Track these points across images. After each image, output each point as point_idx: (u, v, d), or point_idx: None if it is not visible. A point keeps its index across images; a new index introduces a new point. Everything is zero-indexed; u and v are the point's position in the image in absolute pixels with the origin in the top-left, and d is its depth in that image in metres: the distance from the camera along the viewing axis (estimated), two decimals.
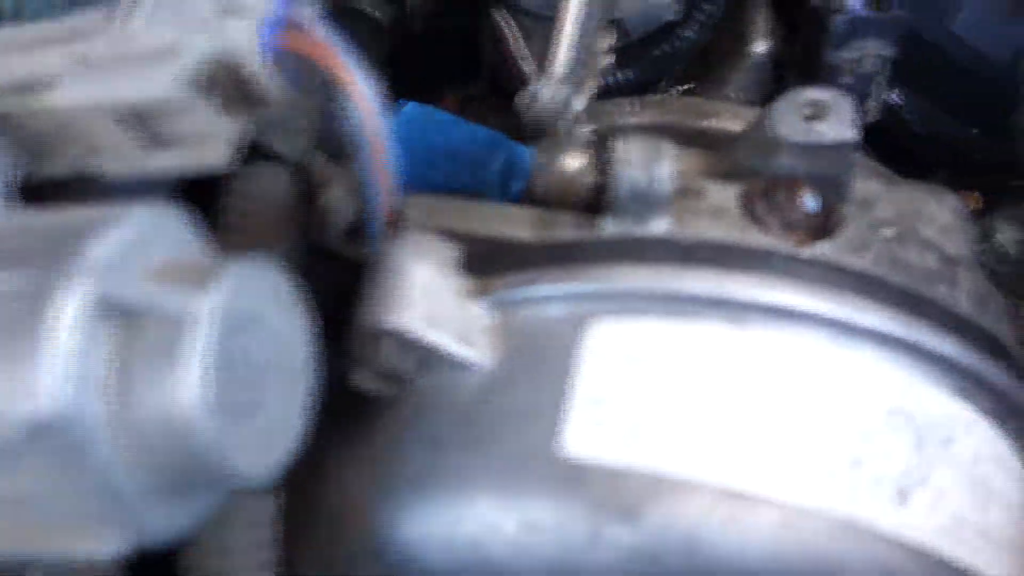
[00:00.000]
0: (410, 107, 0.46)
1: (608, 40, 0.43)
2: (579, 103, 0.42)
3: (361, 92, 0.37)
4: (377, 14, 0.55)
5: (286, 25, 0.36)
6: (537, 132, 0.43)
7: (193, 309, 0.31)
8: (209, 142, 0.36)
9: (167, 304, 0.31)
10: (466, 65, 0.59)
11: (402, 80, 0.57)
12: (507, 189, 0.44)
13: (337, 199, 0.42)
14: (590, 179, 0.43)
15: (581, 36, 0.40)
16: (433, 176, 0.45)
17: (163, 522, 0.35)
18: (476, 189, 0.44)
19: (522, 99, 0.42)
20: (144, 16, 0.36)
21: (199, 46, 0.35)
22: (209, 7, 0.36)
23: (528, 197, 0.44)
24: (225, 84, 0.35)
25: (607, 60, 0.44)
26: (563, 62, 0.40)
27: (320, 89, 0.37)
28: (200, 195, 0.43)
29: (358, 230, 0.42)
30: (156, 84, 0.35)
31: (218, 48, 0.35)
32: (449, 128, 0.45)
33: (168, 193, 0.39)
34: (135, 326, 0.32)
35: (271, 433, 0.35)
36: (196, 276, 0.32)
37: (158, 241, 0.33)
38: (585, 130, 0.44)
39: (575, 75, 0.40)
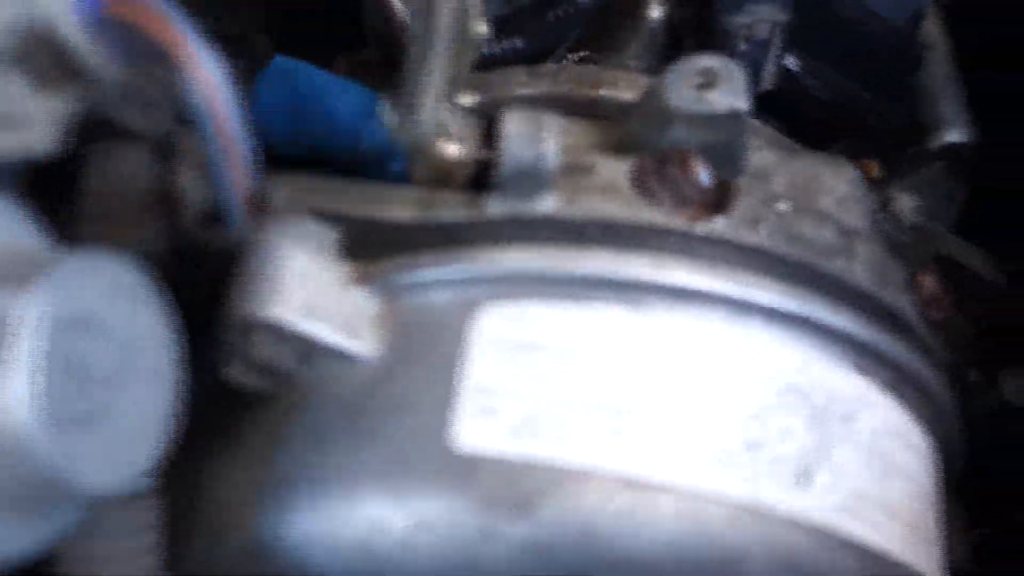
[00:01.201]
0: (280, 61, 0.42)
1: (483, 26, 0.40)
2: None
3: (198, 63, 0.34)
4: None
5: None
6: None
7: (18, 310, 0.28)
8: (28, 123, 0.33)
9: None
10: (356, 30, 0.56)
11: (291, 47, 0.54)
12: (385, 161, 0.42)
13: (190, 180, 0.39)
14: (469, 152, 0.41)
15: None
16: (303, 143, 0.42)
17: (16, 538, 0.32)
18: (351, 159, 0.42)
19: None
20: None
21: (7, 18, 0.32)
22: None
23: (410, 172, 0.42)
24: (38, 57, 0.32)
25: (482, 30, 0.41)
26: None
27: (159, 60, 0.33)
28: (53, 182, 0.40)
29: (219, 214, 0.39)
30: None
31: (26, 17, 0.32)
32: (327, 89, 0.42)
33: (5, 181, 0.35)
34: None
35: (123, 441, 0.32)
36: (25, 274, 0.29)
37: None
38: (463, 102, 0.42)
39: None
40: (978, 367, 0.51)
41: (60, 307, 0.29)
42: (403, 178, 0.42)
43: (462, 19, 0.38)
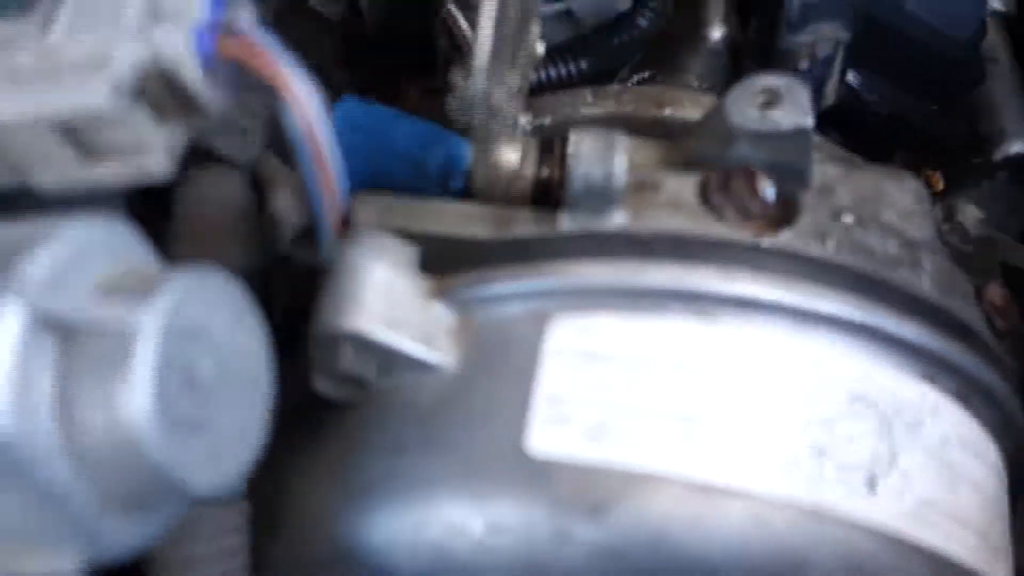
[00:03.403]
0: (351, 103, 0.45)
1: (535, 30, 0.42)
2: (502, 95, 0.41)
3: (298, 96, 0.36)
4: (325, 10, 0.55)
5: (219, 29, 0.35)
6: (463, 124, 0.42)
7: (136, 322, 0.31)
8: (147, 151, 0.35)
9: (110, 318, 0.31)
10: (425, 59, 0.58)
11: (362, 76, 0.56)
12: (447, 185, 0.44)
13: (284, 203, 0.42)
14: (531, 172, 0.43)
15: (499, 27, 0.39)
16: (373, 173, 0.44)
17: (119, 536, 0.34)
18: (416, 186, 0.44)
19: (442, 87, 0.41)
20: (65, 24, 0.35)
21: (130, 54, 0.34)
22: (134, 13, 0.35)
23: (468, 193, 0.43)
24: (159, 92, 0.34)
25: (537, 50, 0.43)
26: (479, 53, 0.38)
27: (260, 92, 0.36)
28: (155, 204, 0.42)
29: (309, 234, 0.41)
30: (89, 95, 0.34)
31: (150, 56, 0.35)
32: (388, 123, 0.44)
33: (117, 204, 0.38)
34: (79, 342, 0.31)
35: (224, 445, 0.34)
36: (140, 288, 0.31)
37: (100, 254, 0.32)
38: (521, 121, 0.43)
39: (494, 67, 0.39)
40: None
41: (174, 318, 0.32)
42: (463, 195, 0.44)
43: (521, 18, 0.39)
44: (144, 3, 0.35)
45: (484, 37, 0.39)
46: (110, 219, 0.33)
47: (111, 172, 0.35)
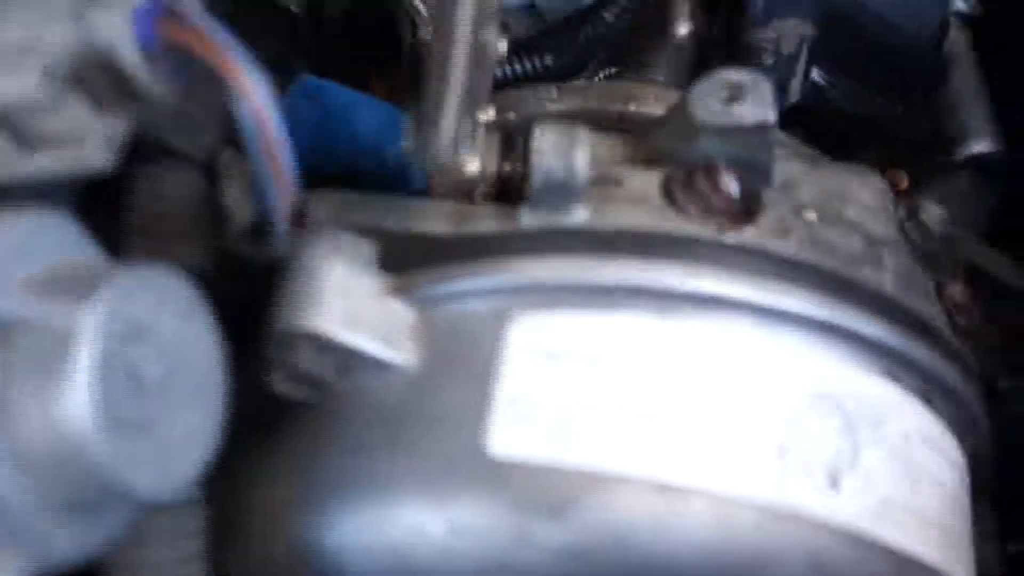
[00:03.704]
0: (309, 81, 0.44)
1: (501, 44, 0.42)
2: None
3: (247, 85, 0.35)
4: (290, 4, 0.54)
5: (162, 15, 0.34)
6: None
7: (76, 320, 0.30)
8: (86, 142, 0.34)
9: (49, 316, 0.30)
10: (392, 52, 0.58)
11: (326, 69, 0.55)
12: (406, 176, 0.43)
13: (236, 198, 0.41)
14: (493, 168, 0.42)
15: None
16: (331, 157, 0.43)
17: (64, 542, 0.33)
18: (376, 174, 0.43)
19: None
20: (8, 12, 0.34)
21: (63, 40, 0.33)
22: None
23: (428, 187, 0.43)
24: (96, 79, 0.33)
25: (500, 48, 0.42)
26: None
27: (211, 82, 0.35)
28: (103, 199, 0.41)
29: (262, 230, 0.40)
30: (19, 82, 0.33)
31: (83, 40, 0.33)
32: (349, 105, 0.44)
33: (62, 197, 0.37)
34: (17, 340, 0.30)
35: (173, 447, 0.34)
36: (81, 285, 0.30)
37: (40, 249, 0.31)
38: (483, 118, 0.43)
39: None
40: (1007, 375, 0.51)
41: (117, 318, 0.31)
42: (424, 192, 0.43)
43: (480, 35, 0.39)
44: None
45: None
46: (52, 213, 0.32)
47: (49, 163, 0.34)
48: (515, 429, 0.39)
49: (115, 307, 0.31)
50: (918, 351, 0.43)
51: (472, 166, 0.42)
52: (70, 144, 0.34)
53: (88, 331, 0.30)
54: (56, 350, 0.30)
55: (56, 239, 0.32)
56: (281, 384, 0.41)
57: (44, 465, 0.31)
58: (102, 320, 0.30)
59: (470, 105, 0.40)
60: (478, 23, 0.39)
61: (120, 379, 0.31)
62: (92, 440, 0.30)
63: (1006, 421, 0.49)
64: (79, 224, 0.33)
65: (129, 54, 0.34)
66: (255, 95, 0.35)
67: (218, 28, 0.35)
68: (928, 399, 0.43)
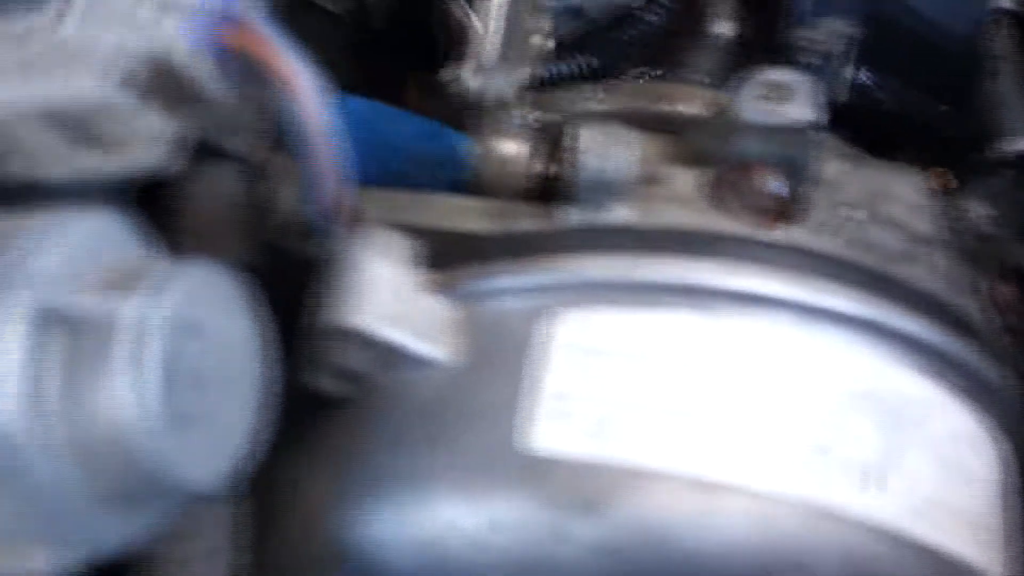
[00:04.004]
0: (356, 102, 0.45)
1: (544, 24, 0.42)
2: (507, 87, 0.41)
3: (302, 88, 0.36)
4: (333, 7, 0.54)
5: (222, 21, 0.35)
6: (466, 116, 0.41)
7: (136, 317, 0.30)
8: (147, 143, 0.35)
9: (111, 313, 0.31)
10: (429, 53, 0.58)
11: (370, 71, 0.56)
12: (451, 180, 0.43)
13: (286, 197, 0.41)
14: (535, 166, 0.42)
15: (506, 19, 0.38)
16: (380, 172, 0.44)
17: (114, 533, 0.34)
18: (422, 183, 0.43)
19: (446, 81, 0.41)
20: (77, 17, 0.35)
21: (130, 45, 0.34)
22: (147, 6, 0.34)
23: (471, 187, 0.43)
24: (160, 83, 0.34)
25: (545, 45, 0.43)
26: (485, 45, 0.38)
27: (265, 84, 0.35)
28: (156, 198, 0.42)
29: (312, 229, 0.41)
30: (87, 85, 0.33)
31: (150, 47, 0.34)
32: (393, 122, 0.44)
33: (118, 197, 0.38)
34: (79, 336, 0.31)
35: (219, 440, 0.34)
36: (140, 283, 0.31)
37: (102, 248, 0.32)
38: (526, 115, 0.43)
39: (500, 59, 0.39)
40: None
41: (172, 312, 0.31)
42: (468, 191, 0.44)
43: (531, 10, 0.39)
44: None
45: (493, 30, 0.39)
46: (114, 213, 0.33)
47: (111, 164, 0.35)
48: (555, 425, 0.39)
49: (171, 301, 0.31)
50: (960, 350, 0.43)
51: (517, 152, 0.42)
52: (131, 144, 0.34)
53: (147, 327, 0.31)
54: (117, 346, 0.30)
55: (117, 237, 0.33)
56: (323, 380, 0.41)
57: (101, 458, 0.31)
58: (167, 316, 0.31)
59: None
60: None
61: (177, 374, 0.32)
62: (147, 432, 0.31)
63: None
64: (134, 221, 0.34)
65: (190, 57, 0.35)
66: (310, 98, 0.36)
67: (278, 33, 0.36)
68: (971, 398, 0.43)
